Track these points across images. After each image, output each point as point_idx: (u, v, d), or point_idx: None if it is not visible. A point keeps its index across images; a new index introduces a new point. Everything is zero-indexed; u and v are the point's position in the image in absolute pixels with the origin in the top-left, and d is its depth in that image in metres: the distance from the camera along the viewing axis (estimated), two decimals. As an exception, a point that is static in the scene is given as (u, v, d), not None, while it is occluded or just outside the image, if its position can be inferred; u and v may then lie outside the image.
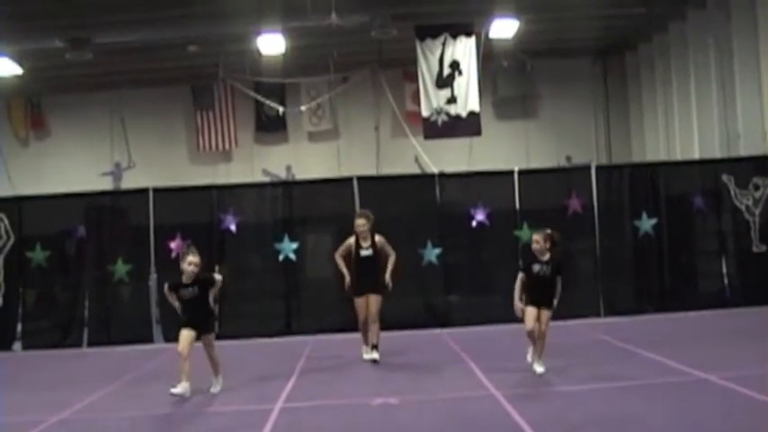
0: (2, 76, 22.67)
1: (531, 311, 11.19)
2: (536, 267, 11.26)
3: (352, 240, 13.39)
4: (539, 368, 11.22)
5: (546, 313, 11.25)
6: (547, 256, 11.26)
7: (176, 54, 24.12)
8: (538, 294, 11.27)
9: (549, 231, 11.41)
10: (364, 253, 13.31)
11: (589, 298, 17.61)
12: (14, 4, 18.67)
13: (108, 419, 9.76)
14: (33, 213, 18.08)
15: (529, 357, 11.57)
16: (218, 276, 11.63)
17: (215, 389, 11.27)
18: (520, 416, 8.81)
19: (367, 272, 13.27)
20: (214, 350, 11.40)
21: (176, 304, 11.24)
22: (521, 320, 11.36)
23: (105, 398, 11.37)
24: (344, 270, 13.36)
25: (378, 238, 13.37)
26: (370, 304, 13.22)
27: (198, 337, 11.11)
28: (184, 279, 11.15)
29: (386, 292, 13.31)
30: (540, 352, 11.35)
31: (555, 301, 11.37)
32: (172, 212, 17.99)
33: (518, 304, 11.34)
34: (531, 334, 11.26)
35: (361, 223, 13.31)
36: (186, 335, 10.99)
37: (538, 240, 11.29)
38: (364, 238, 13.31)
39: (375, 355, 13.13)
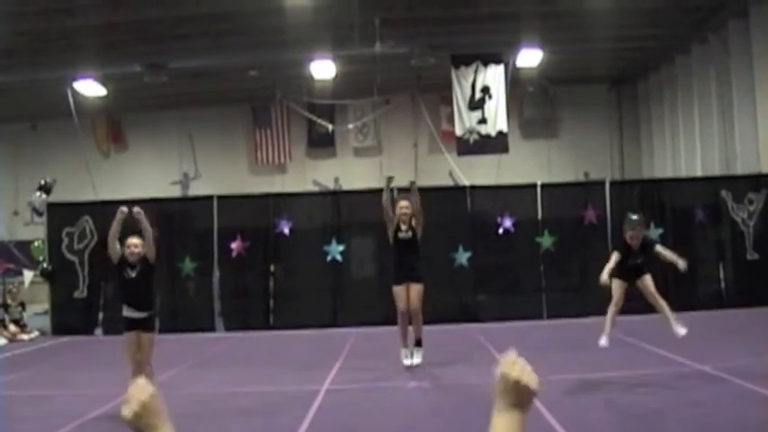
0: (88, 96, 23.15)
1: (620, 283, 10.35)
2: (630, 262, 10.19)
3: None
4: (681, 330, 9.89)
5: (647, 276, 10.27)
6: (639, 246, 10.08)
7: (239, 77, 24.43)
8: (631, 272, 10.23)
9: (636, 218, 10.28)
10: (403, 235, 11.48)
11: (602, 298, 17.55)
12: (100, 35, 19.05)
13: (176, 396, 9.96)
14: (113, 216, 18.29)
15: (602, 342, 10.17)
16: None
17: None
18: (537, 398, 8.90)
19: (406, 257, 11.48)
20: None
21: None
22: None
23: (174, 377, 11.58)
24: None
25: (414, 221, 11.54)
26: (411, 295, 11.34)
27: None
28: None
29: (426, 282, 11.67)
30: (668, 311, 10.19)
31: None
32: (233, 217, 18.27)
33: (605, 278, 10.17)
34: (617, 304, 10.45)
35: (404, 205, 11.54)
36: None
37: (636, 236, 10.05)
38: (404, 221, 11.48)
39: (416, 360, 11.42)
